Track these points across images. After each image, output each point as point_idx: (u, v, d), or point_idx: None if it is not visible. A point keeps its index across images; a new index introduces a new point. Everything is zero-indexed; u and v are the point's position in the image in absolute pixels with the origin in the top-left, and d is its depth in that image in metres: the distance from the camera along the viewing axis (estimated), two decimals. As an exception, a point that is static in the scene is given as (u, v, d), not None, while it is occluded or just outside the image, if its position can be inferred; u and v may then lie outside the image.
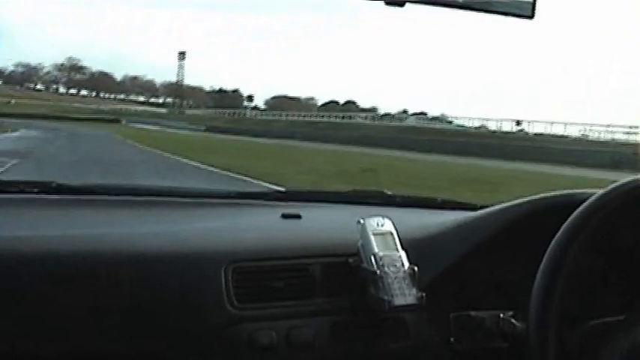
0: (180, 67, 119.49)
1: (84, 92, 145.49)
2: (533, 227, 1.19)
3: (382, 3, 0.99)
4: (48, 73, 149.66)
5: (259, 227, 1.43)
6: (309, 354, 1.22)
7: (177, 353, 1.17)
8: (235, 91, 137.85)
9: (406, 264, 1.23)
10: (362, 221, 1.27)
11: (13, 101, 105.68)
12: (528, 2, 1.04)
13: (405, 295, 1.20)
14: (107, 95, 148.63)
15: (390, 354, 1.28)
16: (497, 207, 1.40)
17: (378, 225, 1.27)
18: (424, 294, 1.21)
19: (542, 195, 1.34)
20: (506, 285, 1.30)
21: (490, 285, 1.32)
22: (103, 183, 1.72)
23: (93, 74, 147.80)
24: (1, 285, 1.10)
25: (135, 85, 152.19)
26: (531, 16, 1.03)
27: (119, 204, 1.51)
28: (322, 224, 1.52)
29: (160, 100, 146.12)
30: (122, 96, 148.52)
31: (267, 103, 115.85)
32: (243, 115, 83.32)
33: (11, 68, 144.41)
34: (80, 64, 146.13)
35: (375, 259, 1.22)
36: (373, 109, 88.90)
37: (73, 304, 1.12)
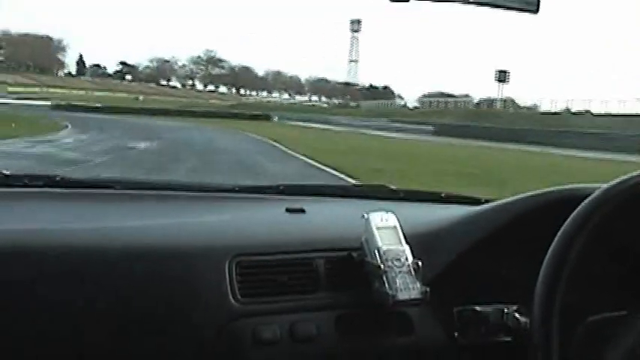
0: (352, 67, 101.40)
1: (223, 89, 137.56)
2: (538, 222, 1.19)
3: (387, 0, 0.98)
4: (183, 66, 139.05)
5: (263, 221, 1.44)
6: (312, 348, 1.22)
7: (181, 347, 1.16)
8: (386, 88, 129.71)
9: (410, 258, 1.23)
10: (366, 215, 1.27)
11: (141, 97, 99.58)
12: None
13: (409, 289, 1.20)
14: (248, 92, 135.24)
15: (394, 348, 1.28)
16: (501, 201, 1.40)
17: (382, 219, 1.26)
18: (428, 288, 1.22)
19: (546, 189, 1.34)
20: (510, 279, 1.29)
21: (494, 279, 1.32)
22: (108, 177, 1.72)
23: (233, 68, 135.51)
24: (6, 278, 1.10)
25: (278, 80, 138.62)
26: (536, 11, 1.03)
27: (123, 198, 1.51)
28: (326, 218, 1.51)
29: (306, 98, 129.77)
30: (264, 93, 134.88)
31: (420, 101, 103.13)
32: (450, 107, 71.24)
33: (145, 64, 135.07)
34: (218, 56, 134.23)
35: (379, 254, 1.22)
36: (534, 107, 79.53)
37: (77, 297, 1.12)
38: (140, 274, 1.16)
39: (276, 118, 57.56)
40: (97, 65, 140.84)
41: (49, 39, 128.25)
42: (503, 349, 1.27)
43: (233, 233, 1.31)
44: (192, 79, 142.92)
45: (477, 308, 1.29)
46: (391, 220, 1.27)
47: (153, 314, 1.15)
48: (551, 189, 1.32)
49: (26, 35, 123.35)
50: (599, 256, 1.12)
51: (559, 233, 1.01)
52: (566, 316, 0.98)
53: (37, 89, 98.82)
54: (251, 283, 1.21)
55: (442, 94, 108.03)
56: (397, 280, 1.20)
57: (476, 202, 1.61)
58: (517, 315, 1.23)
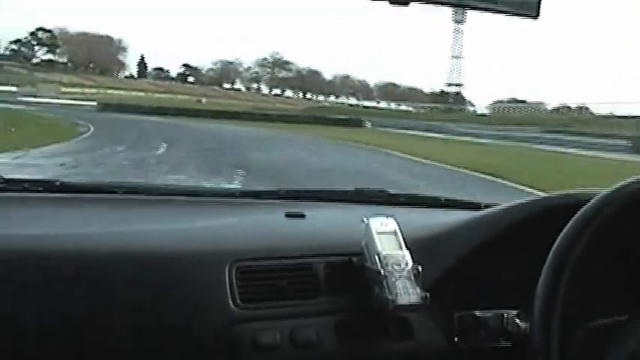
0: (455, 65, 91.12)
1: (289, 93, 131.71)
2: (538, 227, 1.20)
3: (387, 3, 0.99)
4: (248, 69, 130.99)
5: (263, 226, 1.44)
6: (312, 353, 1.22)
7: (181, 352, 1.17)
8: (458, 94, 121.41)
9: (410, 263, 1.23)
10: (366, 220, 1.27)
11: (204, 100, 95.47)
12: (533, 2, 1.03)
13: (408, 294, 1.20)
14: (314, 97, 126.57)
15: (394, 353, 1.27)
16: (501, 206, 1.40)
17: (382, 224, 1.27)
18: (428, 293, 1.21)
19: (546, 194, 1.34)
20: (510, 284, 1.29)
21: (494, 284, 1.32)
22: (107, 181, 1.74)
23: (299, 71, 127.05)
24: (5, 282, 1.11)
25: (346, 85, 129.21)
26: (536, 16, 1.03)
27: (123, 203, 1.51)
28: (326, 223, 1.51)
29: (374, 103, 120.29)
30: (332, 97, 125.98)
31: (491, 107, 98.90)
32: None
33: (209, 66, 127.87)
34: (285, 59, 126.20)
35: (379, 259, 1.22)
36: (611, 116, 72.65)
37: (74, 302, 1.13)
38: (140, 278, 1.16)
39: (368, 124, 46.54)
40: (160, 69, 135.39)
41: (110, 39, 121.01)
42: (503, 355, 1.27)
43: (233, 238, 1.31)
44: (257, 82, 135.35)
45: (477, 313, 1.29)
46: (391, 225, 1.27)
47: (153, 319, 1.15)
48: (552, 194, 1.33)
49: (85, 34, 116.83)
50: (599, 260, 1.13)
51: (559, 238, 1.01)
52: (566, 320, 0.98)
53: (93, 90, 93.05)
54: (251, 288, 1.21)
55: (515, 100, 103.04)
56: (397, 285, 1.20)
57: (476, 207, 1.60)
58: (517, 320, 1.24)
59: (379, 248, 1.23)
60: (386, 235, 1.25)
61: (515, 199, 1.39)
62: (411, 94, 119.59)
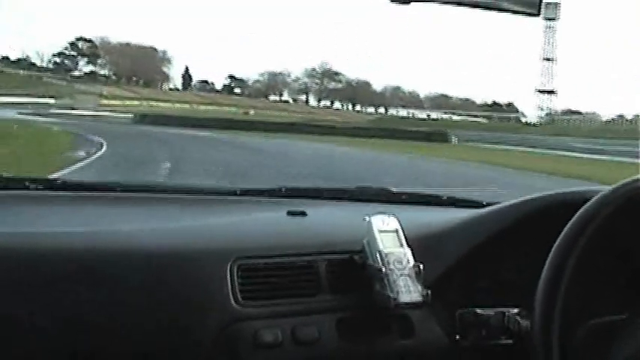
0: (546, 68, 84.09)
1: (337, 105, 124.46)
2: (539, 225, 1.20)
3: (387, 1, 0.99)
4: (297, 80, 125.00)
5: (264, 224, 1.44)
6: (314, 351, 1.22)
7: (182, 350, 1.17)
8: (510, 105, 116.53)
9: (412, 261, 1.23)
10: (368, 218, 1.27)
11: (252, 112, 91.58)
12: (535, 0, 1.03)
13: (410, 292, 1.20)
14: (363, 109, 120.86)
15: (395, 351, 1.28)
16: (503, 204, 1.40)
17: (383, 222, 1.27)
18: (429, 291, 1.22)
19: (548, 192, 1.34)
20: (511, 282, 1.30)
21: (496, 282, 1.33)
22: (107, 180, 1.74)
23: (349, 82, 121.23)
24: (4, 281, 1.11)
25: (396, 96, 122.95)
26: (538, 14, 1.03)
27: (123, 201, 1.51)
28: (328, 221, 1.52)
29: (425, 115, 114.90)
30: (382, 109, 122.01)
31: (547, 119, 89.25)
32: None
33: (255, 77, 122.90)
34: (334, 69, 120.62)
35: (381, 257, 1.22)
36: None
37: (76, 301, 1.13)
38: (141, 276, 1.16)
39: (454, 139, 39.04)
40: (205, 81, 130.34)
41: (154, 50, 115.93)
42: (504, 352, 1.27)
43: (234, 236, 1.31)
44: (306, 93, 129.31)
45: (479, 311, 1.29)
46: (393, 223, 1.27)
47: (154, 317, 1.16)
48: (553, 192, 1.33)
49: (128, 45, 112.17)
50: (600, 258, 1.13)
51: (561, 236, 1.02)
52: (567, 319, 0.99)
53: (135, 102, 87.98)
54: (252, 286, 1.21)
55: (570, 112, 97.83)
56: (399, 283, 1.20)
57: (477, 205, 1.60)
58: (518, 318, 1.23)
59: (381, 246, 1.23)
60: (387, 233, 1.25)
61: (517, 197, 1.38)
62: (463, 105, 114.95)
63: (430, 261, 1.26)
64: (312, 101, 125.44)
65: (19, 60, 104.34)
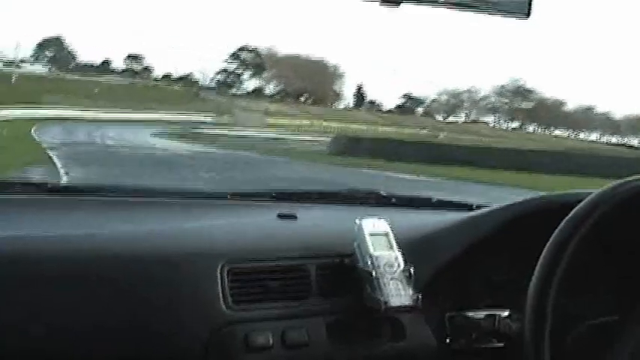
0: None
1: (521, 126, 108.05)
2: (530, 227, 1.20)
3: (377, 3, 0.99)
4: (484, 98, 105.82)
5: (255, 227, 1.43)
6: (304, 354, 1.22)
7: (173, 354, 1.17)
8: None
9: (402, 264, 1.23)
10: (358, 222, 1.27)
11: (442, 135, 79.71)
12: (524, 2, 1.03)
13: (400, 295, 1.21)
14: (548, 131, 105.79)
15: (385, 355, 1.28)
16: (493, 207, 1.41)
17: (374, 226, 1.27)
18: (420, 294, 1.22)
19: (538, 195, 1.35)
20: (502, 285, 1.31)
21: (486, 285, 1.33)
22: (99, 183, 1.76)
23: (543, 101, 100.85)
24: (4, 285, 1.11)
25: (589, 118, 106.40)
26: (527, 16, 1.03)
27: (115, 204, 1.50)
28: (318, 224, 1.51)
29: (622, 141, 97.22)
30: (569, 131, 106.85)
31: None
32: None
33: (432, 96, 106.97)
34: (527, 86, 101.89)
35: (371, 260, 1.23)
36: None
37: (69, 304, 1.13)
38: (131, 280, 1.16)
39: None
40: (372, 101, 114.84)
41: (324, 65, 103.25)
42: (495, 355, 1.27)
43: (224, 239, 1.31)
44: (494, 113, 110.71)
45: (469, 314, 1.30)
46: (383, 226, 1.27)
47: (144, 320, 1.16)
48: (543, 194, 1.34)
49: (297, 57, 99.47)
50: (591, 260, 1.13)
51: (551, 238, 1.02)
52: (558, 321, 0.99)
53: (306, 122, 73.17)
54: (243, 290, 1.21)
55: None
56: (389, 287, 1.20)
57: (468, 207, 1.61)
58: (509, 321, 1.24)
59: (371, 249, 1.23)
60: (378, 236, 1.25)
61: (507, 200, 1.39)
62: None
63: (421, 264, 1.26)
64: (490, 121, 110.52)
65: (180, 78, 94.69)
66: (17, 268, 1.12)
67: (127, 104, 65.32)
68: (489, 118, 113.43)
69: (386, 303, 1.19)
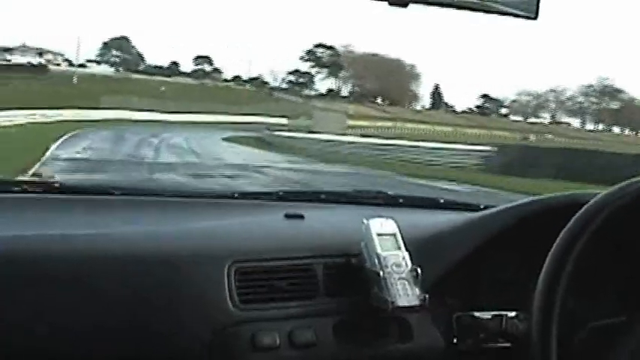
0: None
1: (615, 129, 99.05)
2: (537, 228, 1.19)
3: (386, 4, 0.99)
4: (570, 98, 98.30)
5: (262, 227, 1.43)
6: (311, 354, 1.22)
7: (180, 354, 1.17)
8: None
9: (409, 265, 1.23)
10: (365, 222, 1.27)
11: (532, 137, 76.77)
12: (532, 2, 1.03)
13: (408, 295, 1.20)
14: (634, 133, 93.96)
15: (393, 355, 1.28)
16: (500, 207, 1.41)
17: (381, 226, 1.27)
18: (427, 295, 1.22)
19: (545, 195, 1.35)
20: (509, 285, 1.30)
21: (493, 285, 1.33)
22: (106, 183, 1.73)
23: (631, 101, 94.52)
24: (5, 284, 1.11)
25: None
26: (535, 17, 1.02)
27: (122, 204, 1.50)
28: (325, 224, 1.50)
29: None
30: None
31: None
32: None
33: (512, 97, 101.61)
34: (616, 86, 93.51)
35: (379, 260, 1.23)
36: None
37: (75, 304, 1.13)
38: (138, 279, 1.16)
39: None
40: (445, 103, 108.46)
41: (400, 64, 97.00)
42: (502, 356, 1.27)
43: (232, 239, 1.31)
44: (582, 114, 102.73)
45: (476, 314, 1.29)
46: (390, 226, 1.27)
47: (151, 320, 1.16)
48: (551, 195, 1.34)
49: (375, 56, 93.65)
50: (598, 260, 1.13)
51: (558, 238, 1.01)
52: (565, 321, 0.98)
53: (388, 124, 67.25)
54: (250, 289, 1.21)
55: None
56: (396, 287, 1.20)
57: (475, 208, 1.60)
58: (516, 321, 1.23)
59: (378, 249, 1.23)
60: (385, 236, 1.25)
61: (514, 201, 1.39)
62: None
63: (428, 264, 1.25)
64: (576, 123, 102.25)
65: (252, 79, 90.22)
66: (25, 267, 1.12)
67: (195, 105, 60.99)
68: (573, 120, 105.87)
69: (393, 303, 1.18)
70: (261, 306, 1.20)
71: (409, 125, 70.71)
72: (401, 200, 1.71)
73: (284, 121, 57.38)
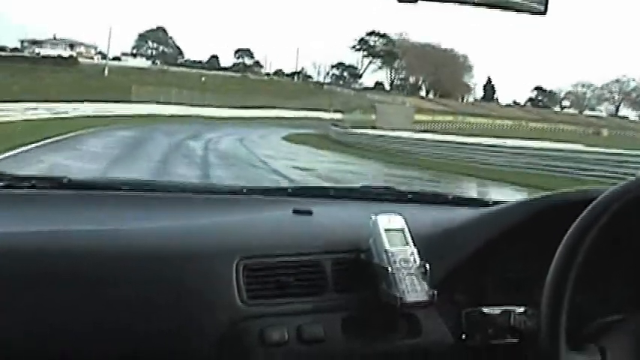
0: None
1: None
2: (546, 224, 1.19)
3: (395, 1, 0.98)
4: (635, 88, 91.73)
5: (270, 223, 1.43)
6: (320, 350, 1.22)
7: (188, 349, 1.17)
8: None
9: (418, 260, 1.23)
10: (374, 217, 1.27)
11: (605, 132, 71.31)
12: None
13: (416, 291, 1.20)
14: None
15: (401, 350, 1.28)
16: (509, 203, 1.41)
17: (389, 221, 1.26)
18: (435, 290, 1.22)
19: (554, 192, 1.35)
20: (518, 281, 1.31)
21: (502, 281, 1.33)
22: (115, 179, 1.71)
23: None
24: (13, 280, 1.11)
25: None
26: (544, 12, 1.02)
27: (130, 200, 1.50)
28: (333, 220, 1.50)
29: None
30: None
31: None
32: None
33: (568, 89, 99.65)
34: None
35: (387, 256, 1.22)
36: None
37: (83, 299, 1.13)
38: (147, 275, 1.17)
39: None
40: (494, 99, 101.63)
41: (454, 54, 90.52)
42: (510, 351, 1.27)
43: (240, 235, 1.31)
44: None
45: (485, 310, 1.29)
46: (399, 222, 1.27)
47: (159, 316, 1.16)
48: (560, 191, 1.33)
49: (429, 46, 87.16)
50: (606, 256, 1.13)
51: (567, 234, 1.01)
52: (574, 317, 0.98)
53: (449, 118, 66.04)
54: (258, 285, 1.21)
55: None
56: (405, 282, 1.20)
57: (484, 204, 1.60)
58: (525, 317, 1.23)
59: (387, 245, 1.23)
60: (394, 232, 1.25)
61: (523, 197, 1.35)
62: None
63: (436, 260, 1.25)
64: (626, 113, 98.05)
65: (293, 73, 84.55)
66: (35, 263, 1.12)
67: (238, 99, 55.20)
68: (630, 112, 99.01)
69: (401, 299, 1.18)
70: (270, 302, 1.20)
71: (471, 119, 64.53)
72: (409, 196, 1.71)
73: (337, 115, 51.55)
